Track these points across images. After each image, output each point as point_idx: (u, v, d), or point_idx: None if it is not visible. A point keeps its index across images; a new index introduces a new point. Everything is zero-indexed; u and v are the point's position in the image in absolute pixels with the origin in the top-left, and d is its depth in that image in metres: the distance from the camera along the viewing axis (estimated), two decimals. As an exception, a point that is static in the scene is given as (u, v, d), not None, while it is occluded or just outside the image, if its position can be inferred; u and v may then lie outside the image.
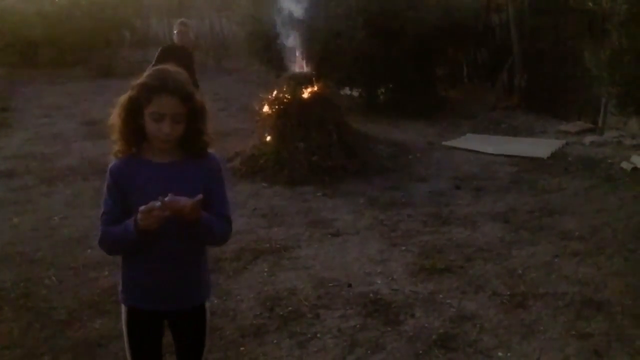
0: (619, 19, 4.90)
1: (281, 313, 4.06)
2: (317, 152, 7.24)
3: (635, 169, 7.18)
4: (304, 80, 8.02)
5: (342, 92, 11.14)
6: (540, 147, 8.40)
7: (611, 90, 5.25)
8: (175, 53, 7.83)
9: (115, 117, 2.33)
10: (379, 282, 4.50)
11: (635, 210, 5.94)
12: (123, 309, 2.52)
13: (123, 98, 2.31)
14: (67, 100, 13.36)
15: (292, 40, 9.54)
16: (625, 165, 7.32)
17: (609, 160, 7.66)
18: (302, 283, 4.51)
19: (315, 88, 7.89)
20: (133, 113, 2.28)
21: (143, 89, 2.25)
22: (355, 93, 11.75)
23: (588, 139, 8.62)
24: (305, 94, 7.76)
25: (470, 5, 11.58)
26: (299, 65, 9.24)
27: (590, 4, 5.09)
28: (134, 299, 2.48)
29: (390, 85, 11.51)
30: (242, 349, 3.67)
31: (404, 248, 5.16)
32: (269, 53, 11.24)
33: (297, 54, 9.59)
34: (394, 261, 4.89)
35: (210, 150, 2.45)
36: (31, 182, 7.31)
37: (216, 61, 18.54)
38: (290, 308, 4.12)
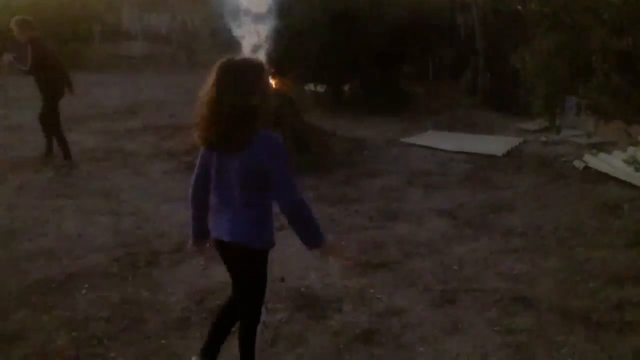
0: (546, 24, 4.93)
1: (209, 306, 4.02)
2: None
3: (586, 167, 7.24)
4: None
5: (306, 88, 11.15)
6: (497, 144, 8.45)
7: (538, 91, 5.29)
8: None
9: None
10: (313, 276, 4.47)
11: (580, 208, 5.99)
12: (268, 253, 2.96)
13: None
14: (31, 93, 13.15)
15: (255, 37, 9.50)
16: (577, 163, 7.39)
17: (563, 159, 7.72)
18: (236, 277, 4.47)
19: (272, 84, 7.85)
20: None
21: None
22: (321, 89, 11.75)
23: (545, 137, 8.68)
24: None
25: (435, 5, 11.64)
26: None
27: (519, 7, 5.10)
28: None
29: (356, 82, 11.53)
30: (163, 341, 3.63)
31: (344, 243, 5.14)
32: (232, 49, 11.19)
33: (260, 50, 9.55)
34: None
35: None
36: (-21, 172, 7.20)
37: (188, 56, 18.40)
38: (219, 301, 4.07)
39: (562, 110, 8.90)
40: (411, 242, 5.19)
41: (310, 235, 2.85)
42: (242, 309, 3.07)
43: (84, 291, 4.26)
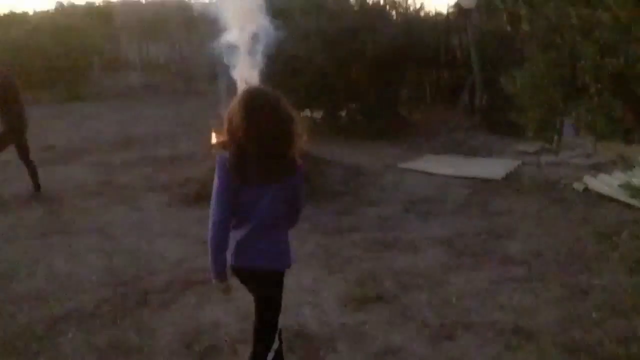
0: (540, 43, 4.86)
1: (198, 349, 3.88)
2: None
3: (586, 189, 7.12)
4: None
5: (302, 115, 11.06)
6: (495, 167, 8.34)
7: (531, 115, 5.19)
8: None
9: None
10: (307, 313, 4.33)
11: (581, 234, 5.85)
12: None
13: None
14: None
15: (248, 64, 9.45)
16: (577, 186, 7.27)
17: (563, 181, 7.60)
18: (228, 316, 4.34)
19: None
20: None
21: None
22: (317, 115, 11.69)
23: (544, 159, 8.57)
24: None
25: (431, 27, 11.62)
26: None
27: (508, 27, 5.02)
28: None
29: (352, 107, 11.46)
30: (150, 389, 3.49)
31: (340, 276, 5.02)
32: (227, 77, 11.16)
33: (253, 77, 9.49)
34: (327, 290, 4.73)
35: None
36: (-30, 211, 7.09)
37: (186, 85, 18.42)
38: (208, 344, 3.95)
39: (560, 132, 8.81)
40: (409, 273, 5.05)
41: None
42: (259, 334, 3.08)
43: (70, 335, 4.12)
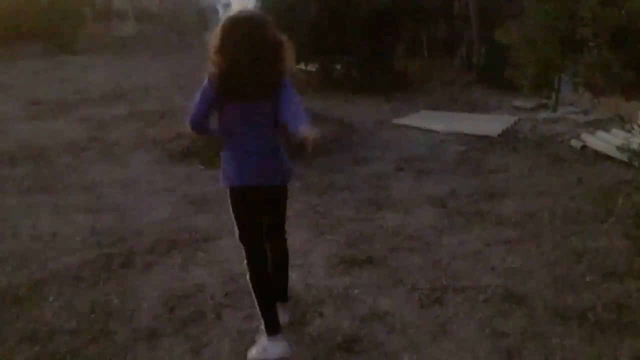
0: None
1: (181, 314, 3.79)
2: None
3: (584, 147, 6.98)
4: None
5: (297, 68, 10.83)
6: (491, 124, 8.17)
7: (528, 72, 4.99)
8: None
9: None
10: (294, 276, 4.22)
11: (577, 193, 5.73)
12: None
13: None
14: (16, 78, 12.89)
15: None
16: (574, 143, 7.12)
17: (560, 138, 7.45)
18: (213, 278, 4.24)
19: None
20: None
21: None
22: (312, 68, 11.45)
23: (541, 115, 8.40)
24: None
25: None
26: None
27: None
28: None
29: (347, 61, 11.20)
30: (130, 355, 3.40)
31: (329, 237, 4.91)
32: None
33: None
34: (316, 252, 4.63)
35: None
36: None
37: (179, 37, 18.03)
38: (192, 308, 3.85)
39: (558, 87, 8.61)
40: (400, 234, 4.94)
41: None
42: (280, 232, 3.47)
43: (51, 299, 4.03)
